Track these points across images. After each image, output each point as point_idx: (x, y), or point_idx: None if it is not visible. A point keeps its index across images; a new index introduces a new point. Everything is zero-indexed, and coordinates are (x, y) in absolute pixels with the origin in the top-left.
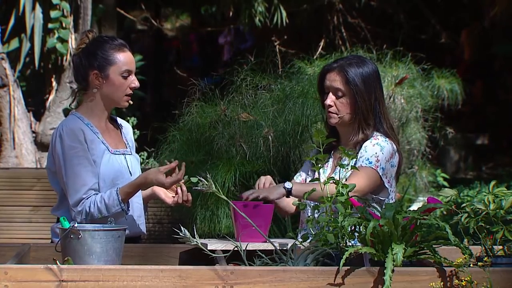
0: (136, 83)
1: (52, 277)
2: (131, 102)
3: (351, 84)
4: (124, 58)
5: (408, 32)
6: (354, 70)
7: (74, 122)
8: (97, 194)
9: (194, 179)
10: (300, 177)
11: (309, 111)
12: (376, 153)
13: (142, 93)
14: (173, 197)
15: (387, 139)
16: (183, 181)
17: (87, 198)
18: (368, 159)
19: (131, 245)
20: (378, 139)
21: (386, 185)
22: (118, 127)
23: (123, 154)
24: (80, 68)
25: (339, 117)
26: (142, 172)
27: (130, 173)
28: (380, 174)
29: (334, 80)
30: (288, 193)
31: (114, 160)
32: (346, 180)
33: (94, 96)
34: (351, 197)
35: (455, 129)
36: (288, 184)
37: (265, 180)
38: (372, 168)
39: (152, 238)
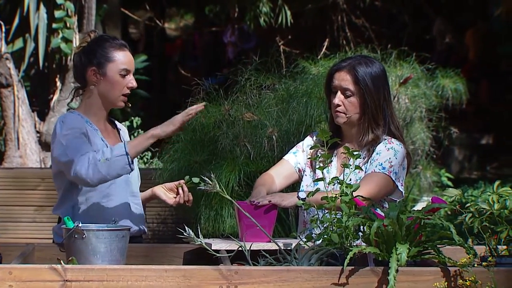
0: (133, 83)
1: (57, 277)
2: (129, 104)
3: (361, 83)
4: (123, 57)
5: (413, 32)
6: (363, 70)
7: (74, 116)
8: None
9: (195, 179)
10: (295, 156)
11: (313, 111)
12: (389, 158)
13: (146, 93)
14: (174, 197)
15: (400, 142)
16: (184, 181)
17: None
18: (381, 164)
19: (135, 245)
20: (393, 142)
21: (400, 189)
22: (116, 128)
23: None
24: (79, 66)
25: (347, 116)
26: (139, 173)
27: (128, 173)
28: (393, 178)
29: (343, 79)
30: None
31: None
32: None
33: (92, 92)
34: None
35: (460, 129)
36: (302, 194)
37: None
38: (385, 174)
39: (156, 238)
